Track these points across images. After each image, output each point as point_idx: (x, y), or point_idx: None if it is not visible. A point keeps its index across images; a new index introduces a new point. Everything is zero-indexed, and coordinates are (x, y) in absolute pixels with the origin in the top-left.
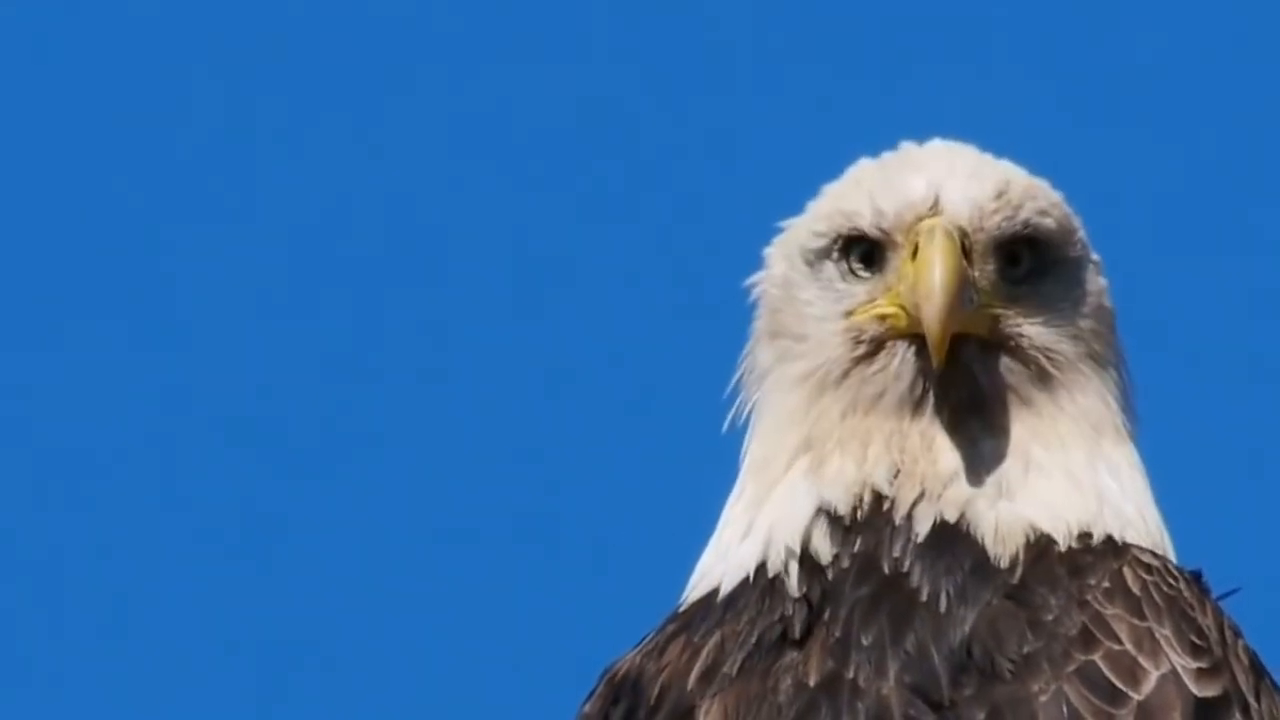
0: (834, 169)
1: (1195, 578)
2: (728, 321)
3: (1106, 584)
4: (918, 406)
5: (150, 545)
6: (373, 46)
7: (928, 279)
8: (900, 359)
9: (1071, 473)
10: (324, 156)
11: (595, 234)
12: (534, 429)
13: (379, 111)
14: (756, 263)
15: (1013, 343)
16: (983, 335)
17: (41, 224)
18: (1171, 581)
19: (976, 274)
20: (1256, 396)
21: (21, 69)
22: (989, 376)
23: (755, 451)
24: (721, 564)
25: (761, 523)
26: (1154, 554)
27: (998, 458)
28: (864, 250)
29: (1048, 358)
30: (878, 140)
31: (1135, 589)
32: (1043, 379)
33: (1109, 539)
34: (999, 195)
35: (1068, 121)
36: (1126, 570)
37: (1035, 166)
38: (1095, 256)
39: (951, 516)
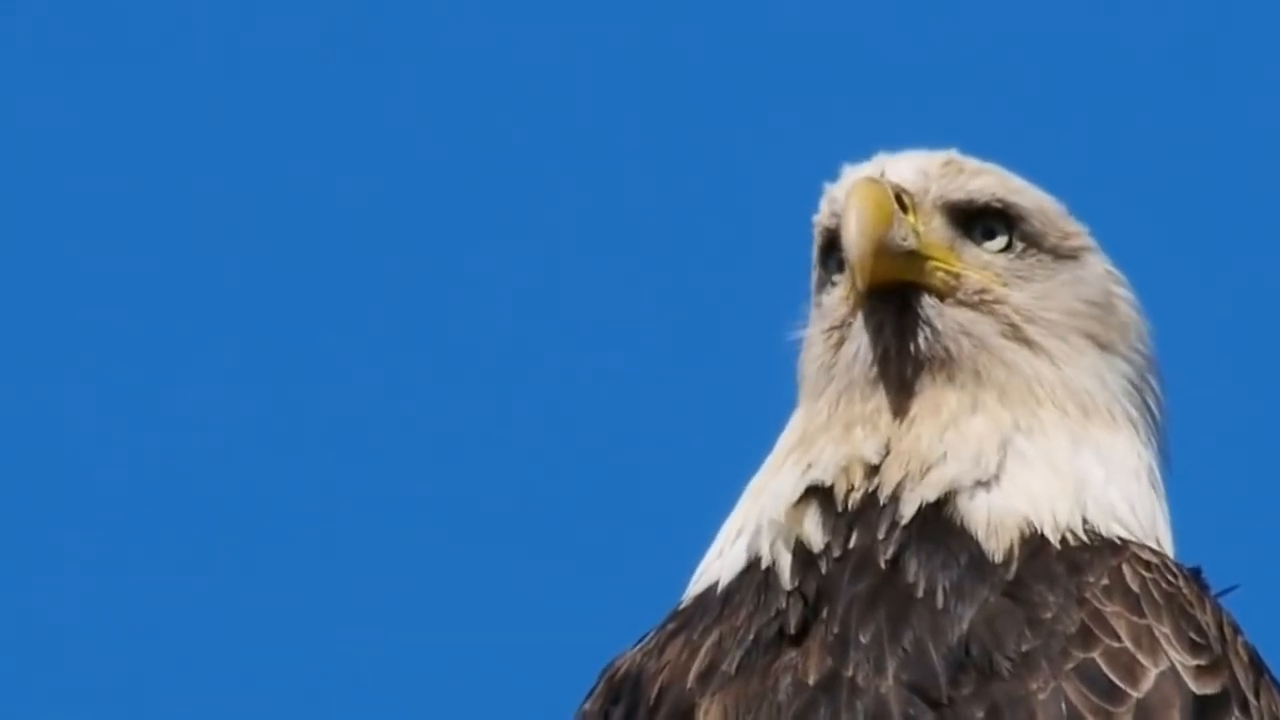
0: None
1: (1194, 574)
2: (727, 318)
3: (1105, 581)
4: (887, 372)
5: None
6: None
7: (845, 211)
8: (858, 327)
9: (1052, 459)
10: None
11: (615, 242)
12: (536, 422)
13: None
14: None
15: (982, 303)
16: (934, 287)
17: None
18: (1170, 579)
19: (921, 228)
20: (1258, 393)
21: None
22: (944, 321)
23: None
24: (719, 560)
25: (754, 513)
26: (1153, 550)
27: (978, 438)
28: (837, 259)
29: (1025, 318)
30: None
31: (1134, 586)
32: (1019, 338)
33: (1106, 536)
34: (947, 163)
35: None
36: (1125, 567)
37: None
38: (1112, 269)
39: (932, 496)
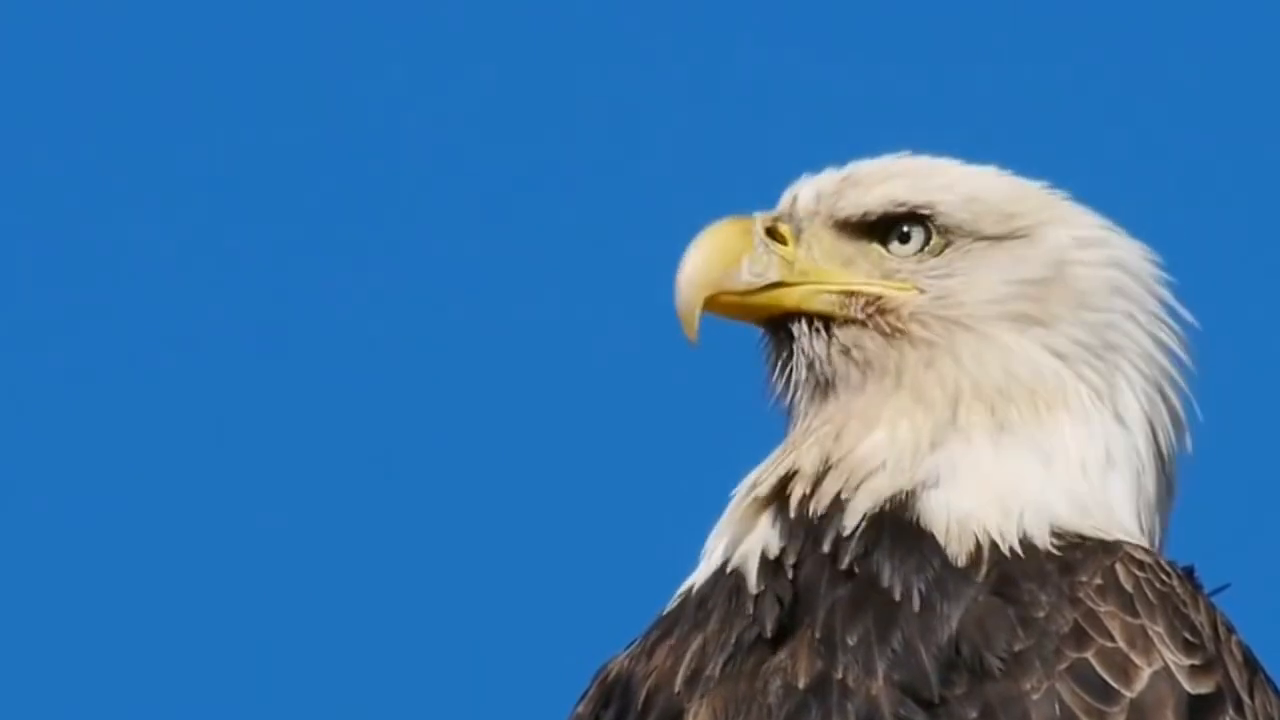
0: None
1: (1188, 574)
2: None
3: (1098, 580)
4: (796, 396)
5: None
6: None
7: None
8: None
9: (978, 466)
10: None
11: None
12: (531, 423)
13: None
14: None
15: (879, 313)
16: (816, 310)
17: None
18: (1164, 578)
19: (802, 253)
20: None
21: None
22: (824, 345)
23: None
24: (699, 567)
25: (724, 520)
26: (1146, 550)
27: (900, 450)
28: None
29: (925, 319)
30: None
31: (1128, 585)
32: (919, 341)
33: (1042, 548)
34: (844, 179)
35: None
36: (1119, 567)
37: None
38: (1081, 231)
39: (869, 505)
